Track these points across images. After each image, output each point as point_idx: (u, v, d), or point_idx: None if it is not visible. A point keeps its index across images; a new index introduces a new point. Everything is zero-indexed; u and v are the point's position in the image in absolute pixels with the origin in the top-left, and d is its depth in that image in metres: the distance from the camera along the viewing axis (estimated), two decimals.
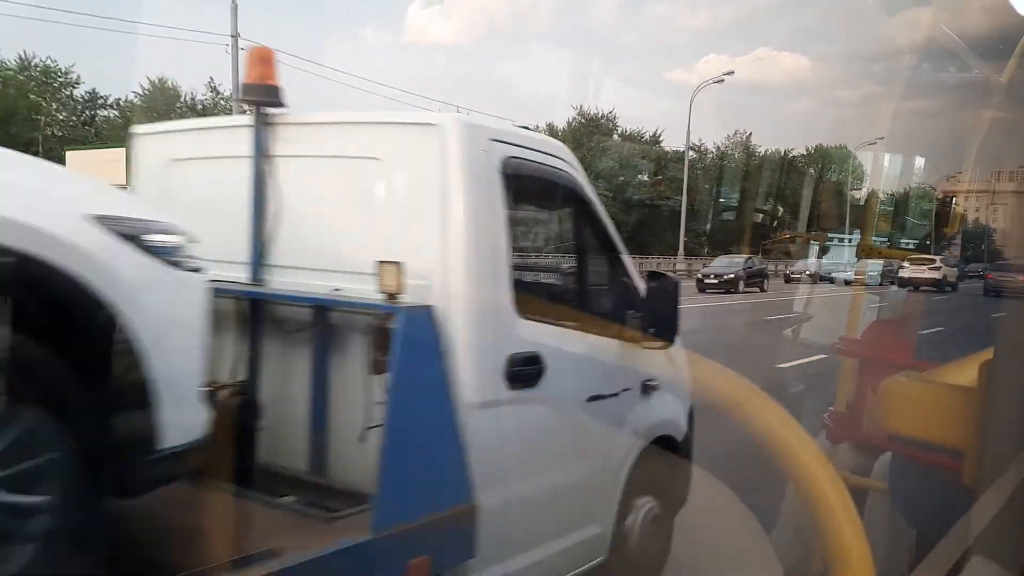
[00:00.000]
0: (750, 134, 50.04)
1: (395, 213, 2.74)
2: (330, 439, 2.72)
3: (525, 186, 3.02)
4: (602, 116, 44.75)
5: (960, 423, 3.16)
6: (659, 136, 44.90)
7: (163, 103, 43.34)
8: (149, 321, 1.90)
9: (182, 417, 2.00)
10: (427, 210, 2.66)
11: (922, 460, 3.57)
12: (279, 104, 2.90)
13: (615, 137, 44.61)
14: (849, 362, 4.60)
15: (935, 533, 3.26)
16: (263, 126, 2.88)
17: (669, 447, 3.72)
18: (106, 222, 1.88)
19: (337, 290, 2.69)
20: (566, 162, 3.26)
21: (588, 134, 42.18)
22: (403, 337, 2.39)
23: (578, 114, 44.61)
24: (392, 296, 2.45)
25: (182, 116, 47.40)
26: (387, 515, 2.31)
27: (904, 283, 23.90)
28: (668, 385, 3.68)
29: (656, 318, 3.39)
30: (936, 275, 25.10)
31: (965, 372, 3.40)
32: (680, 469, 3.70)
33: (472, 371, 2.63)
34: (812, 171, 47.25)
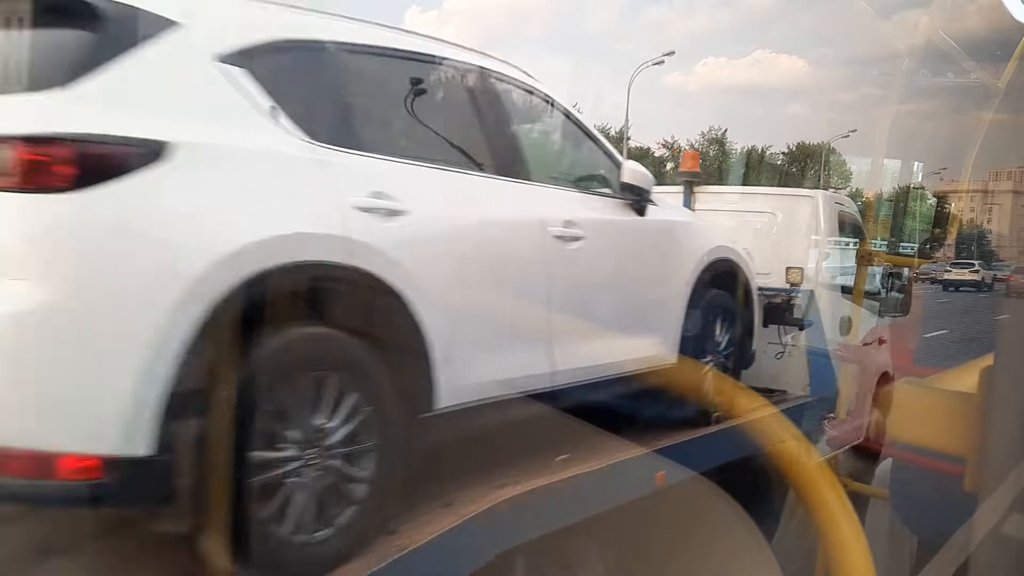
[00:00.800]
0: (725, 130, 49.17)
1: (785, 242, 4.81)
2: None
3: (842, 224, 5.22)
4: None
5: (961, 429, 3.16)
6: (626, 134, 43.35)
7: None
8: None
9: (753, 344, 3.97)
10: (805, 241, 4.85)
11: (923, 466, 3.56)
12: (700, 182, 5.13)
13: None
14: (850, 368, 4.61)
15: (936, 539, 3.26)
16: (690, 193, 4.99)
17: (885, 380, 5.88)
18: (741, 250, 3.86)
19: None
20: (854, 207, 5.78)
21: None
22: (806, 306, 4.45)
23: None
24: (795, 284, 4.41)
25: None
26: (816, 390, 4.41)
27: (948, 284, 29.84)
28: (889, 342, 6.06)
29: (894, 298, 5.79)
30: (976, 277, 30.94)
31: (965, 378, 3.40)
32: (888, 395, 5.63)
33: (827, 325, 4.75)
34: (794, 169, 46.95)
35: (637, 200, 3.15)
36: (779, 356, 4.47)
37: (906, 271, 5.90)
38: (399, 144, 2.45)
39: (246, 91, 2.01)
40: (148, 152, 1.73)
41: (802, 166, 47.63)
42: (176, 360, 1.68)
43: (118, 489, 1.66)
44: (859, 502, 3.68)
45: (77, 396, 1.64)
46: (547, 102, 3.08)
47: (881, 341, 5.85)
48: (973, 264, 32.31)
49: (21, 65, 1.82)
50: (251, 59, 2.04)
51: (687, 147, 47.71)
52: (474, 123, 2.68)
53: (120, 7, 1.86)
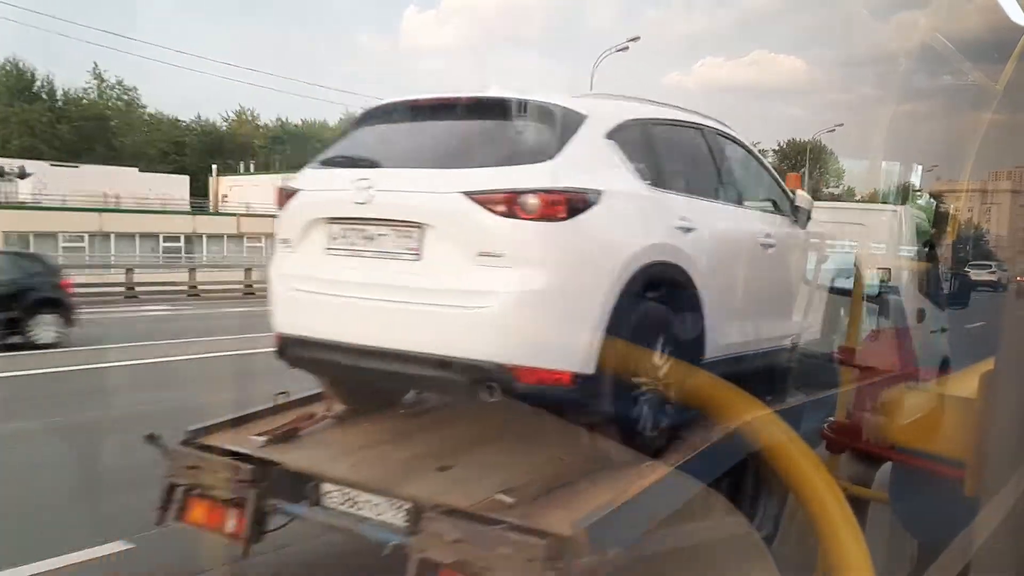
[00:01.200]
0: None
1: (874, 245, 6.98)
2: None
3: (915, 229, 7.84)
4: None
5: (961, 434, 3.15)
6: None
7: (18, 86, 41.43)
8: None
9: None
10: (891, 245, 7.24)
11: (923, 469, 3.55)
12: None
13: None
14: (849, 371, 4.59)
15: (936, 543, 3.24)
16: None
17: (945, 365, 6.87)
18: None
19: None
20: (925, 216, 9.29)
21: None
22: (892, 297, 5.68)
23: None
24: (884, 281, 5.54)
25: (46, 101, 44.29)
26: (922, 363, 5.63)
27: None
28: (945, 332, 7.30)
29: (956, 295, 7.19)
30: (994, 278, 32.42)
31: (965, 383, 3.39)
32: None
33: (909, 312, 6.12)
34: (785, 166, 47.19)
35: (802, 218, 4.36)
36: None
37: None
38: (687, 184, 3.55)
39: (620, 155, 3.13)
40: (594, 197, 2.86)
41: (793, 164, 47.79)
42: (609, 315, 2.80)
43: (578, 395, 2.76)
44: (859, 506, 3.66)
45: (562, 335, 2.77)
46: (746, 149, 4.27)
47: (944, 329, 7.05)
48: (990, 265, 34.76)
49: (528, 146, 3.00)
50: (617, 134, 3.17)
51: None
52: (716, 167, 3.87)
53: (565, 110, 3.06)
